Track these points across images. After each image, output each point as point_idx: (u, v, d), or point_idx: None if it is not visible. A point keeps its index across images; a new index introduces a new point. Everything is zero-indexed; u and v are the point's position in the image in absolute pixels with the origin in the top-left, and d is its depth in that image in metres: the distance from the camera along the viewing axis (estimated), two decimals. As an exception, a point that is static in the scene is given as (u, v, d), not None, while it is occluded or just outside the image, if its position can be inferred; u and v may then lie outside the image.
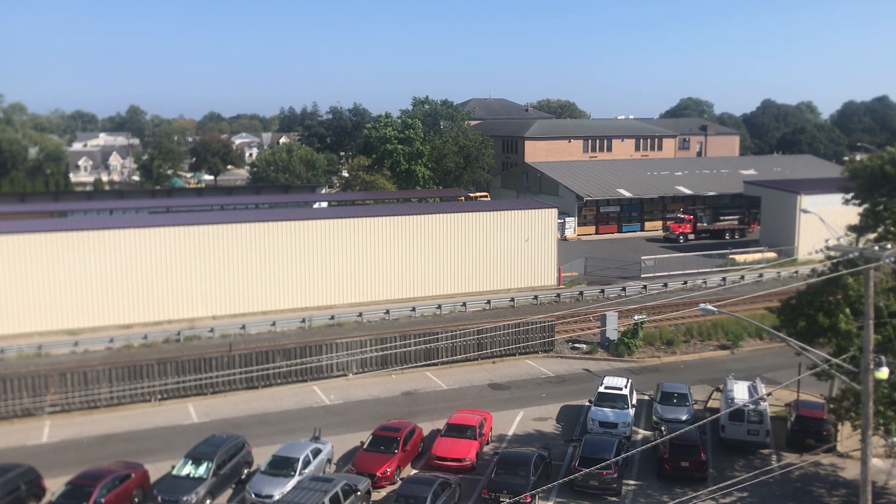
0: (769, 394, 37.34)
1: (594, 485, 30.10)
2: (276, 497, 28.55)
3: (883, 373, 22.85)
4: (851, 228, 35.32)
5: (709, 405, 39.97)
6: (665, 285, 62.94)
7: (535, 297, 59.92)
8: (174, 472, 30.11)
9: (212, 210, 71.39)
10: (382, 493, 30.66)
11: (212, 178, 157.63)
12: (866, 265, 22.86)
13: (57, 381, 38.57)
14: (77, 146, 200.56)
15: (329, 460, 32.71)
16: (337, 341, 44.55)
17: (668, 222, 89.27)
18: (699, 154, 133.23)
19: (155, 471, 31.55)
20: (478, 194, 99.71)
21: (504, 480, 29.47)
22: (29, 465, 30.25)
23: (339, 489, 27.46)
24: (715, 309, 25.34)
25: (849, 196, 37.02)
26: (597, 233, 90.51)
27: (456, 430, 33.75)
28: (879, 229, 33.62)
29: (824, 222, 46.91)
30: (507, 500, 28.19)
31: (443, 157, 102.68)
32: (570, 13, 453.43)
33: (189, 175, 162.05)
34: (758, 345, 50.16)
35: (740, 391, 36.68)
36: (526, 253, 63.39)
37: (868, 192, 35.31)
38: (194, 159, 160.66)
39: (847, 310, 29.44)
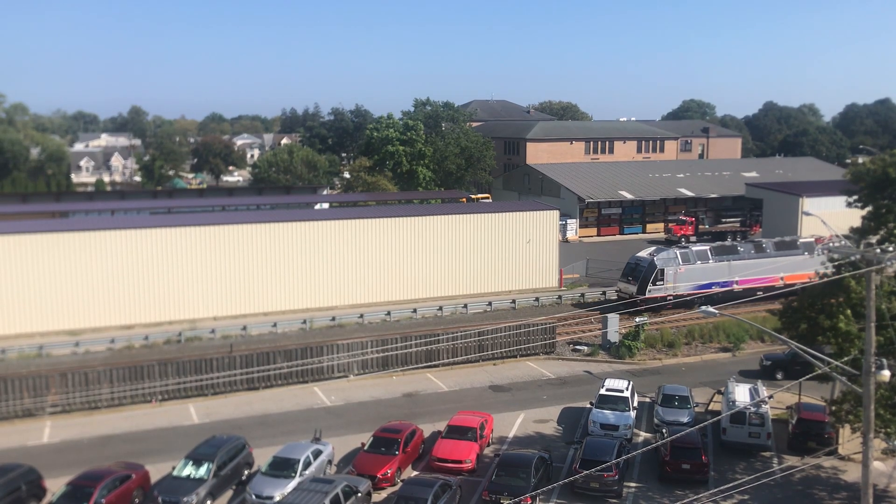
0: (770, 396, 37.29)
1: (595, 487, 30.07)
2: (277, 498, 28.54)
3: (885, 375, 22.83)
4: (854, 231, 35.31)
5: (710, 408, 39.91)
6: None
7: (537, 299, 59.86)
8: (175, 473, 30.10)
9: (213, 211, 71.42)
10: (383, 494, 30.64)
11: (214, 180, 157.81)
12: (868, 268, 22.82)
13: (58, 381, 38.56)
14: (79, 147, 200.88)
15: (330, 461, 32.69)
16: (338, 342, 44.51)
17: (670, 224, 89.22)
18: (701, 156, 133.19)
19: (155, 472, 31.53)
20: (479, 196, 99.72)
21: (505, 482, 29.43)
22: (29, 466, 30.25)
23: (339, 490, 27.43)
24: (716, 311, 25.32)
25: (852, 199, 37.01)
26: (598, 235, 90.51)
27: (457, 432, 33.73)
28: (882, 231, 33.62)
29: (826, 225, 46.85)
30: (508, 502, 28.14)
31: (444, 159, 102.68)
32: (572, 15, 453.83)
33: (190, 176, 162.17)
34: (759, 347, 50.04)
35: (741, 394, 36.62)
36: (527, 255, 63.33)
37: (871, 195, 35.31)
38: (196, 160, 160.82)
39: (848, 311, 29.41)
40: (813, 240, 60.80)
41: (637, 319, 49.48)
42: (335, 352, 43.43)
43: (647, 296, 55.11)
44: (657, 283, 55.66)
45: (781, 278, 57.53)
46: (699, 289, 56.58)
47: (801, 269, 57.80)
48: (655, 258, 56.43)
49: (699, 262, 57.17)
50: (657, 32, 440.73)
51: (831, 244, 59.43)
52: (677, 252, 57.28)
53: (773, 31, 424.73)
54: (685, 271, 56.42)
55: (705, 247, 59.09)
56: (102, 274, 52.09)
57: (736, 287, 57.32)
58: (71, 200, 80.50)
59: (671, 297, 55.36)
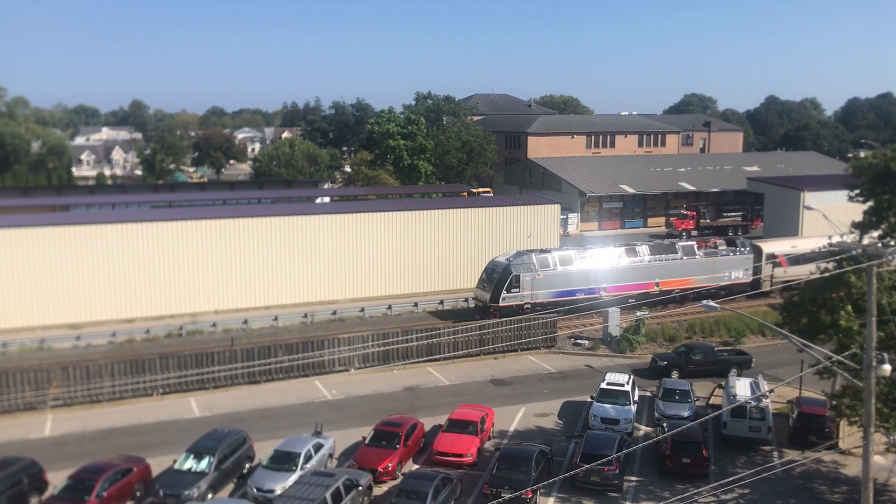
0: (771, 390, 37.32)
1: (596, 481, 30.13)
2: (278, 491, 28.56)
3: (886, 370, 22.83)
4: (855, 225, 35.27)
5: (711, 402, 39.96)
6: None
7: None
8: (176, 467, 30.16)
9: (214, 205, 71.44)
10: (384, 488, 30.69)
11: (215, 173, 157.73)
12: (869, 262, 22.80)
13: (59, 374, 38.61)
14: (80, 140, 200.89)
15: (331, 455, 32.73)
16: (339, 336, 44.55)
17: (671, 218, 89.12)
18: (702, 150, 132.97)
19: (157, 465, 31.61)
20: (480, 190, 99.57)
21: (505, 476, 29.47)
22: (31, 459, 30.31)
23: (340, 484, 27.47)
24: (717, 305, 25.35)
25: (854, 193, 36.95)
26: (599, 229, 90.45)
27: (457, 426, 33.78)
28: (883, 226, 33.59)
29: (827, 219, 46.75)
30: (509, 496, 28.18)
31: (445, 153, 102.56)
32: (573, 9, 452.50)
33: (191, 170, 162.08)
34: (760, 342, 50.09)
35: (742, 388, 36.68)
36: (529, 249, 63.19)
37: (873, 190, 35.24)
38: (197, 154, 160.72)
39: (849, 307, 29.39)
40: (693, 244, 58.12)
41: (638, 314, 49.46)
42: (336, 345, 43.44)
43: (500, 304, 50.90)
44: (512, 290, 51.17)
45: (657, 284, 55.15)
46: (561, 296, 52.63)
47: (680, 275, 55.54)
48: (511, 263, 52.09)
49: (561, 268, 52.98)
50: (658, 26, 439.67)
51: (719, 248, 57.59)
52: (535, 257, 52.96)
53: (775, 24, 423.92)
54: (544, 277, 52.01)
55: (570, 251, 55.26)
56: (103, 268, 52.13)
57: (604, 294, 53.52)
58: (72, 194, 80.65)
59: (528, 306, 51.59)
